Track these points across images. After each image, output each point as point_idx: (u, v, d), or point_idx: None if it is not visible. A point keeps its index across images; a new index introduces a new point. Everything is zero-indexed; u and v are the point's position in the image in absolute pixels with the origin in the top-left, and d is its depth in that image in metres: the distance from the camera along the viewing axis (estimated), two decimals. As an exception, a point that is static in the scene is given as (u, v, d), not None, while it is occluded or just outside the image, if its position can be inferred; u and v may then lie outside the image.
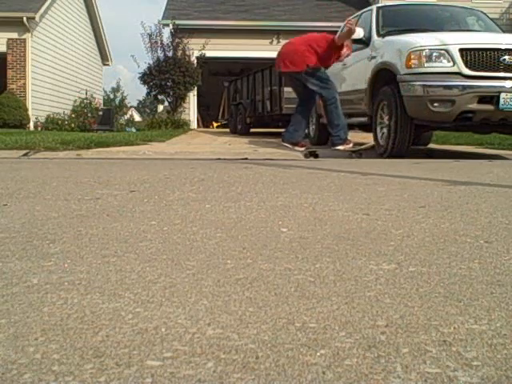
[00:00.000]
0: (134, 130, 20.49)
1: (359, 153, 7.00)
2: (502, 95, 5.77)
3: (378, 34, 7.17)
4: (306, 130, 9.92)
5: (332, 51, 7.06)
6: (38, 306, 1.25)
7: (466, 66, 5.80)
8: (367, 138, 8.90)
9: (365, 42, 7.21)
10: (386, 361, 0.97)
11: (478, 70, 5.81)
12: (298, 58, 7.03)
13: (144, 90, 15.71)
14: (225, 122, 16.43)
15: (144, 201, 2.76)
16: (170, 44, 15.45)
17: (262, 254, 1.72)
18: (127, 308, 1.24)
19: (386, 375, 0.91)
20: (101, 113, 19.12)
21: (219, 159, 5.79)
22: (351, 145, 7.06)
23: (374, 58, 6.82)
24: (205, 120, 19.35)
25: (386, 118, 6.50)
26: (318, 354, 1.00)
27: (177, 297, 1.31)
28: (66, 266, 1.58)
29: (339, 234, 2.01)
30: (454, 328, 1.12)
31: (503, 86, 5.79)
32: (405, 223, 2.20)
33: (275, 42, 16.64)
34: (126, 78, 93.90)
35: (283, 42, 16.70)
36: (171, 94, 15.26)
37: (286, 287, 1.39)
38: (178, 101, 15.51)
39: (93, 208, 2.56)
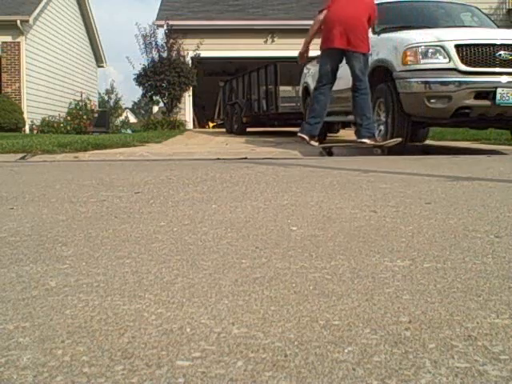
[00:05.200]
0: (129, 131, 20.48)
1: (383, 148, 6.32)
2: (499, 90, 5.80)
3: (374, 32, 7.18)
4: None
5: None
6: (60, 309, 1.25)
7: (462, 61, 5.83)
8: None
9: (360, 40, 7.21)
10: (414, 356, 0.97)
11: (473, 66, 5.83)
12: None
13: (137, 91, 15.74)
14: (221, 122, 16.41)
15: (150, 202, 2.76)
16: (164, 45, 15.43)
17: (276, 252, 1.73)
18: (149, 309, 1.24)
19: (416, 370, 0.92)
20: (96, 115, 19.10)
21: (218, 159, 5.79)
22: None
23: (369, 55, 6.82)
24: (201, 120, 19.33)
25: (382, 115, 6.51)
26: (346, 350, 1.01)
27: (197, 297, 1.32)
28: (81, 268, 1.58)
29: (349, 231, 2.02)
30: (477, 323, 1.13)
31: (499, 82, 5.82)
32: (413, 220, 2.21)
33: (269, 41, 16.67)
34: (117, 80, 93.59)
35: (277, 41, 16.84)
36: (166, 94, 15.23)
37: (305, 285, 1.39)
38: (174, 101, 15.49)
39: (99, 210, 2.55)
